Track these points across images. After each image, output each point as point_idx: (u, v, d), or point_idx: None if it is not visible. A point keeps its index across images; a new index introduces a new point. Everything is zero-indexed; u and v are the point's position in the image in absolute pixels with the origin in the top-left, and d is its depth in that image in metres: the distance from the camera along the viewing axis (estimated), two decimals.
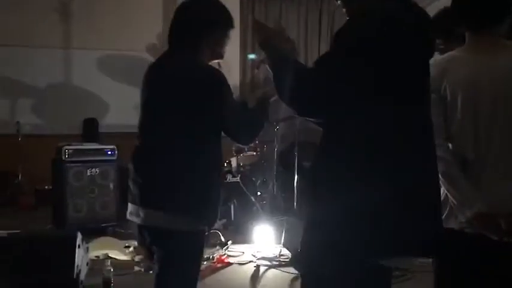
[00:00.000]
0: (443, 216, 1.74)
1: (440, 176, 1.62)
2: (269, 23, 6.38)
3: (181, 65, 1.96)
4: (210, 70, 1.98)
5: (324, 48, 7.65)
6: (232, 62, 7.28)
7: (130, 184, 1.99)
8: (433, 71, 1.61)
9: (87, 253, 3.44)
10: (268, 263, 4.00)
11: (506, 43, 1.84)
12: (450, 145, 1.79)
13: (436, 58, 1.84)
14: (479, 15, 1.82)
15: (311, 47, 7.71)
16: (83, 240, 3.31)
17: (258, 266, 3.95)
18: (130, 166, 2.01)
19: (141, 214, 1.94)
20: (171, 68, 1.99)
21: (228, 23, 2.07)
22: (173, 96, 1.91)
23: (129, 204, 2.01)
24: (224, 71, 2.08)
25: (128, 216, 2.03)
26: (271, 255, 4.09)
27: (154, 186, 1.92)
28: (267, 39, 1.57)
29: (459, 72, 1.79)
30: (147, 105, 2.04)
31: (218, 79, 1.95)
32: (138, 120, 2.10)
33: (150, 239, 1.97)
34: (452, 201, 1.77)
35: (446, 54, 1.92)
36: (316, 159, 1.47)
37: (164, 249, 1.93)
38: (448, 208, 1.80)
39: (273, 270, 3.90)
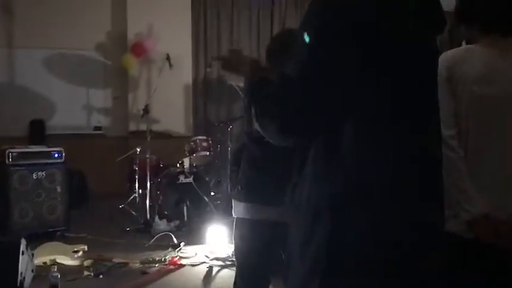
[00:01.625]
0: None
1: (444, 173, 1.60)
2: (221, 28, 6.29)
3: None
4: None
5: None
6: (184, 60, 7.22)
7: None
8: (449, 60, 1.54)
9: (32, 259, 3.32)
10: (221, 263, 3.99)
11: None
12: (455, 142, 1.70)
13: (453, 50, 1.79)
14: (497, 16, 1.75)
15: (263, 44, 7.71)
16: (27, 246, 3.20)
17: (210, 267, 3.93)
18: None
19: None
20: None
21: None
22: None
23: None
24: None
25: None
26: (224, 255, 4.08)
27: None
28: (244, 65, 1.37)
29: (474, 66, 1.71)
30: None
31: None
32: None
33: None
34: (454, 200, 1.68)
35: (463, 47, 1.83)
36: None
37: None
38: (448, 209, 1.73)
39: (226, 270, 3.89)
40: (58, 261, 3.83)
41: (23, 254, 3.07)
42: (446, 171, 1.60)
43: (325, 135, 1.12)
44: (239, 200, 2.21)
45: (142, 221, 5.17)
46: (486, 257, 1.68)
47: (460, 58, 1.75)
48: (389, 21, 1.08)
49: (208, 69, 6.79)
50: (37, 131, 6.75)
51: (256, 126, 1.18)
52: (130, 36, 7.06)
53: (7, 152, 4.57)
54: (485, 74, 1.70)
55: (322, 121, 1.09)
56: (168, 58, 5.68)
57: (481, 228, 1.65)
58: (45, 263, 3.80)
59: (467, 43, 1.87)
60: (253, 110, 1.19)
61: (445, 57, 1.77)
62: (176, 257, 4.09)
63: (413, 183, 1.13)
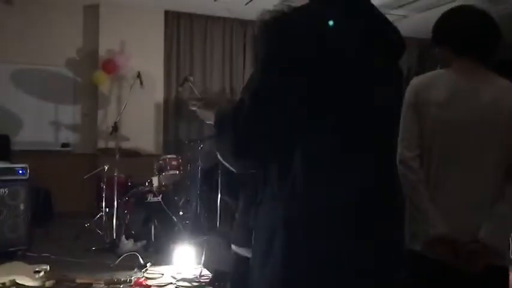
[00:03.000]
0: (407, 237, 1.71)
1: (405, 194, 1.60)
2: (194, 48, 6.31)
3: None
4: None
5: (249, 67, 7.78)
6: (156, 79, 7.19)
7: None
8: (416, 85, 1.60)
9: None
10: (188, 284, 3.91)
11: (489, 73, 1.80)
12: (416, 164, 1.73)
13: (423, 74, 1.83)
14: (467, 38, 1.78)
15: (236, 66, 7.78)
16: None
17: None
18: None
19: None
20: None
21: None
22: None
23: None
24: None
25: None
26: (191, 276, 4.01)
27: None
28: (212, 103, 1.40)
29: (440, 90, 1.74)
30: None
31: None
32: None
33: None
34: (415, 221, 1.71)
35: (434, 71, 1.86)
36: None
37: None
38: (410, 229, 1.73)
39: None
40: (18, 281, 3.70)
41: None
42: (407, 193, 1.67)
43: (277, 161, 1.15)
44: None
45: (108, 241, 5.05)
46: (448, 276, 1.70)
47: (428, 83, 1.78)
48: (331, 54, 1.10)
49: (180, 88, 6.77)
50: (1, 147, 6.57)
51: (218, 156, 1.23)
52: (102, 52, 7.00)
53: None
54: (448, 99, 1.73)
55: (268, 146, 1.12)
56: (139, 76, 5.64)
57: (440, 249, 1.68)
58: (3, 283, 3.67)
59: (441, 67, 1.90)
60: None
61: (414, 82, 1.81)
62: (142, 277, 3.99)
63: (362, 212, 1.13)
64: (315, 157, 1.10)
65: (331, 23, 1.10)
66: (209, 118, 1.36)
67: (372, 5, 1.25)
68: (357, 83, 1.13)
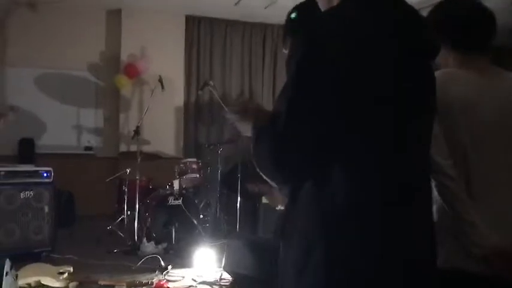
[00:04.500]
0: (444, 253, 1.47)
1: (444, 205, 1.49)
2: (214, 52, 6.34)
3: None
4: None
5: (268, 71, 7.80)
6: (176, 82, 7.26)
7: None
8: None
9: (16, 280, 3.26)
10: (209, 287, 3.94)
11: (497, 68, 1.70)
12: (454, 172, 1.54)
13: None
14: (473, 34, 1.66)
15: (255, 70, 7.80)
16: (11, 267, 3.14)
17: None
18: None
19: None
20: None
21: None
22: None
23: None
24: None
25: None
26: (211, 279, 4.04)
27: None
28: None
29: (459, 91, 1.59)
30: None
31: None
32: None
33: None
34: (460, 235, 1.52)
35: (441, 71, 1.67)
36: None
37: None
38: (449, 244, 1.53)
39: None
40: (43, 282, 3.77)
41: (6, 274, 3.01)
42: (447, 204, 1.51)
43: (317, 173, 1.12)
44: None
45: (130, 243, 5.11)
46: None
47: (443, 84, 1.53)
48: (368, 60, 1.08)
49: (199, 92, 6.81)
50: (26, 150, 6.70)
51: (257, 169, 1.17)
52: (124, 57, 7.10)
53: None
54: (476, 100, 1.60)
55: (308, 158, 1.09)
56: (160, 80, 5.70)
57: (500, 264, 1.49)
58: (29, 284, 3.74)
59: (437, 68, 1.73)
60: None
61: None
62: (163, 280, 4.04)
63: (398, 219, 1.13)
64: (354, 170, 1.09)
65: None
66: (246, 130, 1.32)
67: (409, 7, 1.20)
68: (394, 89, 1.11)
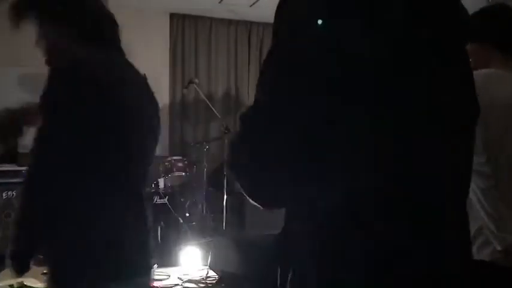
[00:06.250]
0: (476, 247, 1.56)
1: (473, 200, 1.51)
2: (199, 50, 6.29)
3: None
4: None
5: (254, 69, 7.79)
6: (161, 80, 7.21)
7: None
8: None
9: None
10: (195, 286, 3.92)
11: None
12: (487, 169, 1.58)
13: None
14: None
15: (241, 68, 7.78)
16: None
17: None
18: None
19: None
20: None
21: None
22: None
23: None
24: None
25: None
26: (197, 278, 4.02)
27: None
28: None
29: (502, 92, 1.61)
30: None
31: None
32: None
33: None
34: (488, 227, 1.57)
35: (479, 71, 1.64)
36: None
37: None
38: (480, 238, 1.59)
39: None
40: (26, 284, 3.72)
41: None
42: (479, 200, 1.55)
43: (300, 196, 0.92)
44: None
45: None
46: None
47: (482, 84, 1.42)
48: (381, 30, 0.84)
49: (184, 91, 6.77)
50: (9, 150, 6.61)
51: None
52: None
53: None
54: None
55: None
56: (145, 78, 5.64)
57: None
58: (11, 285, 3.69)
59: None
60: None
61: None
62: None
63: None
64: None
65: None
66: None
67: None
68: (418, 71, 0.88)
